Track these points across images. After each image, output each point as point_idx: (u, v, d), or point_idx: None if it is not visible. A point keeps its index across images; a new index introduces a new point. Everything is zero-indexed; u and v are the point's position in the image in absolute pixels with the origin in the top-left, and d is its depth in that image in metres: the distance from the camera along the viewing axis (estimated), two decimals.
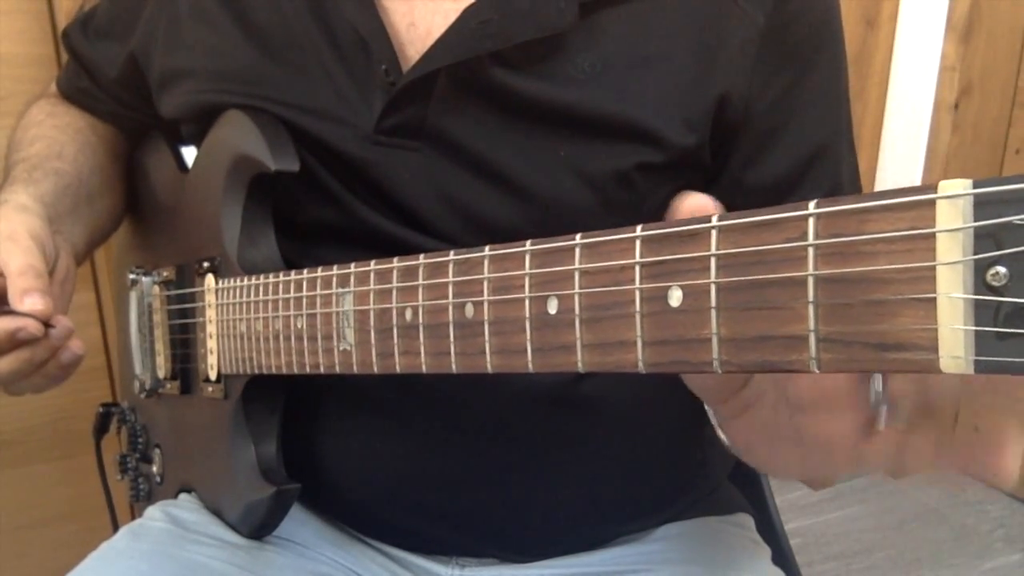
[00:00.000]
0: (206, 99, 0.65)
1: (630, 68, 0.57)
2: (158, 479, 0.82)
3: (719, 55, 0.57)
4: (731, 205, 0.63)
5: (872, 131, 1.76)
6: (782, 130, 0.61)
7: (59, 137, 0.78)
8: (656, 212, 0.60)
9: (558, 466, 0.66)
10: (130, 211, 0.88)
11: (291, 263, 0.64)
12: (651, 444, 0.69)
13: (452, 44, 0.57)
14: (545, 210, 0.59)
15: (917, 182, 1.87)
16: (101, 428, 0.92)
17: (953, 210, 0.24)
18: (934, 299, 0.24)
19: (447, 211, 0.60)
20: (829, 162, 0.64)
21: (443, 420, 0.64)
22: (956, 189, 0.24)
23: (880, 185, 1.82)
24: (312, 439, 0.67)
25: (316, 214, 0.63)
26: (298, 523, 0.70)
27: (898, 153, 1.83)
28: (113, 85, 0.79)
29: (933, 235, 0.24)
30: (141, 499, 0.88)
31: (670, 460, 0.71)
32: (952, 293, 0.24)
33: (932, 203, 0.24)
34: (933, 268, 0.24)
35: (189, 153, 0.79)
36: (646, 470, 0.70)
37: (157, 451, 0.82)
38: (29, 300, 0.61)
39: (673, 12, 0.58)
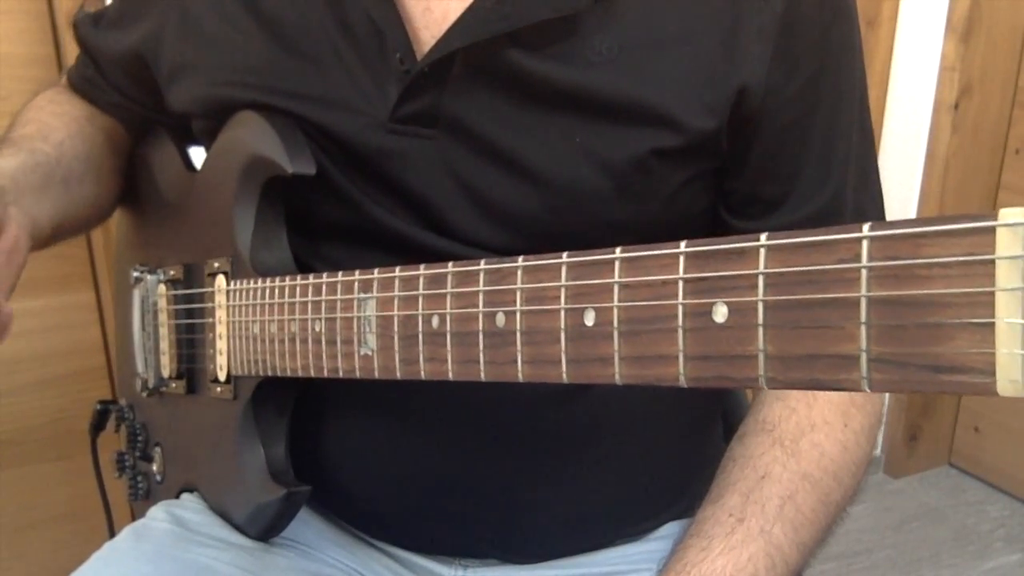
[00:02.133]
0: (218, 92, 0.65)
1: (647, 50, 0.57)
2: (158, 478, 0.82)
3: (737, 40, 0.57)
4: (754, 196, 0.63)
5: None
6: (807, 120, 0.61)
7: (52, 123, 0.78)
8: (672, 198, 0.61)
9: (563, 468, 0.66)
10: (132, 209, 0.88)
11: (300, 262, 0.64)
12: (655, 446, 0.70)
13: (467, 26, 0.56)
14: (560, 196, 0.59)
15: (917, 182, 1.88)
16: (98, 425, 0.92)
17: (1012, 237, 0.24)
18: (992, 324, 0.25)
19: (462, 199, 0.60)
20: (842, 153, 0.64)
21: (448, 421, 0.64)
22: (1017, 217, 0.24)
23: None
24: (317, 439, 0.67)
25: (327, 213, 0.63)
26: (302, 524, 0.70)
27: (898, 153, 1.83)
28: (116, 69, 0.79)
29: (992, 261, 0.25)
30: (140, 498, 0.87)
31: (673, 462, 0.72)
32: (1010, 319, 0.24)
33: (992, 230, 0.24)
34: (992, 294, 0.25)
35: (195, 153, 0.79)
36: (651, 472, 0.70)
37: (157, 450, 0.82)
38: None
39: None
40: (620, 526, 0.70)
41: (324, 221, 0.64)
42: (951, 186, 1.83)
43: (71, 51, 0.83)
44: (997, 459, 2.01)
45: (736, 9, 0.57)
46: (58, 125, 0.78)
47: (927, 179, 1.86)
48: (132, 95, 0.80)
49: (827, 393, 0.62)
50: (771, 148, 0.61)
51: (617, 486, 0.68)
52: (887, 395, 2.03)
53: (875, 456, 2.08)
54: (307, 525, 0.71)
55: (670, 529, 0.72)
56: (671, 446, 0.71)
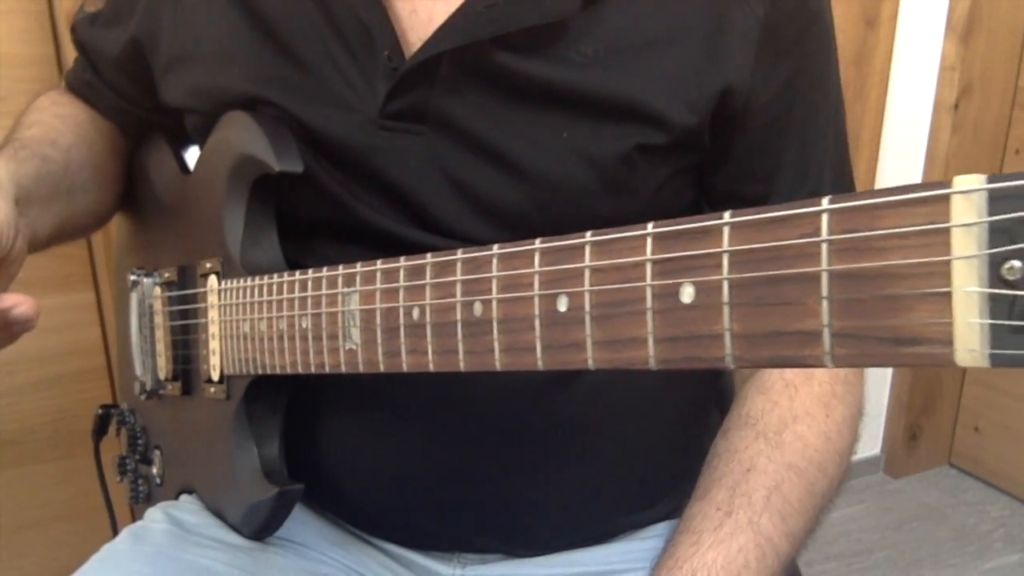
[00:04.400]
0: (211, 83, 0.65)
1: (632, 51, 0.58)
2: (158, 480, 0.82)
3: (721, 44, 0.58)
4: (735, 194, 0.64)
5: (872, 131, 1.75)
6: (784, 120, 0.62)
7: (58, 126, 0.78)
8: (657, 193, 0.62)
9: (558, 457, 0.66)
10: (130, 212, 0.88)
11: (291, 260, 0.65)
12: (654, 433, 0.70)
13: (457, 28, 0.57)
14: (547, 191, 0.60)
15: (918, 181, 1.87)
16: (100, 430, 0.92)
17: (968, 205, 0.24)
18: (949, 293, 0.25)
19: (450, 194, 0.60)
20: (819, 154, 0.65)
21: (443, 413, 0.64)
22: (970, 184, 0.24)
23: (880, 185, 1.82)
24: (312, 436, 0.67)
25: (315, 212, 0.64)
26: (299, 523, 0.70)
27: (898, 153, 1.83)
28: (113, 71, 0.79)
29: (948, 230, 0.24)
30: (140, 501, 0.88)
31: (670, 450, 0.72)
32: (967, 287, 0.24)
33: (947, 198, 0.24)
34: (948, 263, 0.25)
35: (190, 155, 0.79)
36: (649, 460, 0.70)
37: (157, 452, 0.82)
38: None
39: (676, 2, 0.58)
40: (619, 515, 0.71)
41: (312, 220, 0.64)
42: None
43: (71, 51, 0.84)
44: (997, 459, 2.00)
45: (720, 13, 0.58)
46: (64, 129, 0.78)
47: (927, 179, 1.85)
48: (130, 96, 0.81)
49: (808, 385, 0.63)
50: (751, 147, 0.63)
51: (617, 474, 0.69)
52: (886, 395, 2.03)
53: (875, 456, 2.07)
54: (305, 525, 0.71)
55: (671, 527, 0.71)
56: (667, 434, 0.71)
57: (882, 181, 1.82)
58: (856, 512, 1.91)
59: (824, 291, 0.27)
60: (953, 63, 1.77)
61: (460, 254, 0.42)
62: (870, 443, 2.06)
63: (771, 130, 0.62)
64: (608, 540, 0.71)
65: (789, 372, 0.64)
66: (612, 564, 0.69)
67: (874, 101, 1.74)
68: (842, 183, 0.68)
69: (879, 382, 2.00)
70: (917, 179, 1.87)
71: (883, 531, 1.85)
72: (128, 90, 0.80)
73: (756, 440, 0.61)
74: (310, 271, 0.55)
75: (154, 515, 0.70)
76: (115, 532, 0.91)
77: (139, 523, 0.70)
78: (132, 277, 0.80)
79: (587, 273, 0.35)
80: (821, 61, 0.64)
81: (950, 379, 2.03)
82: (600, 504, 0.69)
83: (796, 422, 0.62)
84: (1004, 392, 1.96)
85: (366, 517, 0.71)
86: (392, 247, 0.62)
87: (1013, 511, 1.91)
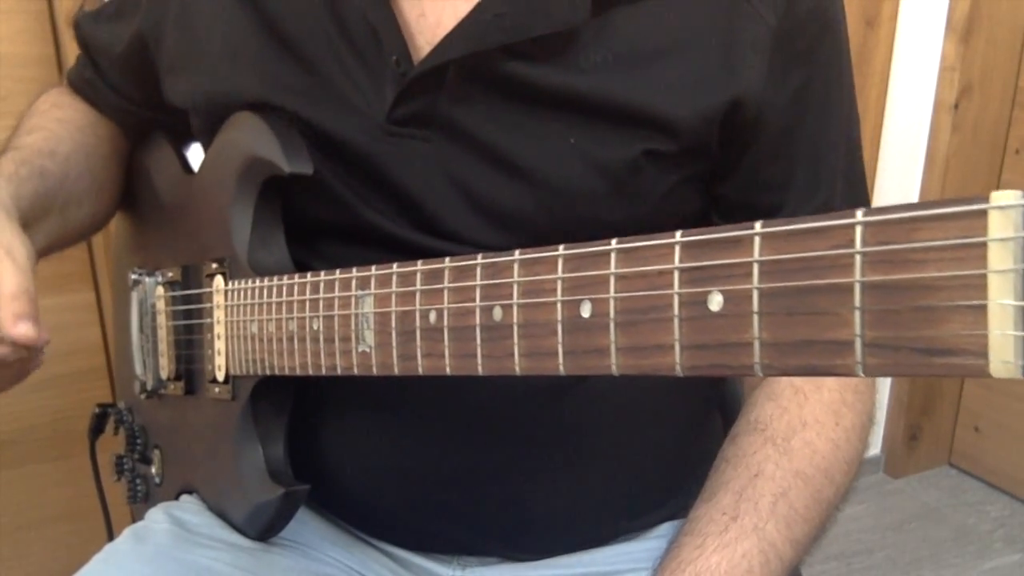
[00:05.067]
0: (218, 87, 0.65)
1: (642, 59, 0.58)
2: (157, 480, 0.82)
3: (732, 53, 0.58)
4: (746, 204, 0.64)
5: (872, 131, 1.76)
6: (797, 130, 0.62)
7: (58, 132, 0.78)
8: (664, 199, 0.61)
9: (561, 461, 0.66)
10: (131, 211, 0.88)
11: (296, 262, 0.65)
12: (656, 436, 0.70)
13: (465, 36, 0.57)
14: (555, 196, 0.60)
15: (917, 182, 1.88)
16: (96, 428, 0.92)
17: (1004, 220, 0.24)
18: (985, 306, 0.25)
19: (457, 200, 0.60)
20: (831, 165, 0.65)
21: (445, 417, 0.64)
22: (1008, 200, 0.24)
23: (880, 185, 1.83)
24: (316, 439, 0.67)
25: (321, 214, 0.64)
26: (302, 524, 0.70)
27: (898, 153, 1.84)
28: (116, 68, 0.79)
29: (984, 244, 0.25)
30: (139, 500, 0.87)
31: (672, 454, 0.72)
32: (1002, 300, 0.24)
33: (983, 213, 0.25)
34: (984, 276, 0.25)
35: (192, 155, 0.79)
36: (652, 463, 0.70)
37: (156, 452, 0.82)
38: (23, 327, 0.59)
39: (686, 10, 0.58)
40: (620, 519, 0.71)
41: (318, 221, 0.64)
42: (951, 186, 1.83)
43: (71, 51, 0.83)
44: (997, 459, 2.01)
45: (732, 22, 0.58)
46: (63, 136, 0.78)
47: (927, 179, 1.86)
48: (130, 96, 0.80)
49: (818, 392, 0.63)
50: (762, 156, 0.62)
51: (616, 478, 0.69)
52: (886, 395, 2.03)
53: (875, 456, 2.08)
54: (307, 525, 0.71)
55: (670, 528, 0.72)
56: (669, 438, 0.71)
57: (882, 181, 1.83)
58: (856, 512, 1.91)
59: (857, 301, 0.27)
60: (953, 63, 1.77)
61: (480, 259, 0.42)
62: (870, 443, 2.06)
63: (783, 140, 0.62)
64: (611, 542, 0.71)
65: (799, 379, 0.64)
66: (613, 565, 0.69)
67: (874, 101, 1.75)
68: (855, 194, 0.67)
69: (879, 382, 1.99)
70: (917, 179, 1.88)
71: (883, 531, 1.86)
72: (130, 89, 0.80)
73: (764, 446, 0.61)
74: (322, 273, 0.55)
75: (156, 515, 0.70)
76: (110, 532, 0.91)
77: (141, 523, 0.70)
78: (133, 276, 0.79)
79: (612, 280, 0.35)
80: (834, 70, 0.63)
81: (950, 379, 2.03)
82: (602, 507, 0.69)
83: (805, 429, 0.62)
84: (1004, 392, 1.97)
85: (367, 518, 0.71)
86: (398, 250, 0.62)
87: (1013, 511, 1.92)
